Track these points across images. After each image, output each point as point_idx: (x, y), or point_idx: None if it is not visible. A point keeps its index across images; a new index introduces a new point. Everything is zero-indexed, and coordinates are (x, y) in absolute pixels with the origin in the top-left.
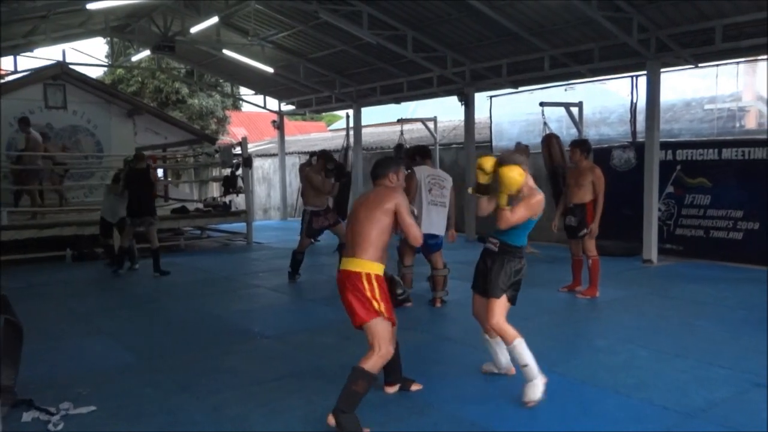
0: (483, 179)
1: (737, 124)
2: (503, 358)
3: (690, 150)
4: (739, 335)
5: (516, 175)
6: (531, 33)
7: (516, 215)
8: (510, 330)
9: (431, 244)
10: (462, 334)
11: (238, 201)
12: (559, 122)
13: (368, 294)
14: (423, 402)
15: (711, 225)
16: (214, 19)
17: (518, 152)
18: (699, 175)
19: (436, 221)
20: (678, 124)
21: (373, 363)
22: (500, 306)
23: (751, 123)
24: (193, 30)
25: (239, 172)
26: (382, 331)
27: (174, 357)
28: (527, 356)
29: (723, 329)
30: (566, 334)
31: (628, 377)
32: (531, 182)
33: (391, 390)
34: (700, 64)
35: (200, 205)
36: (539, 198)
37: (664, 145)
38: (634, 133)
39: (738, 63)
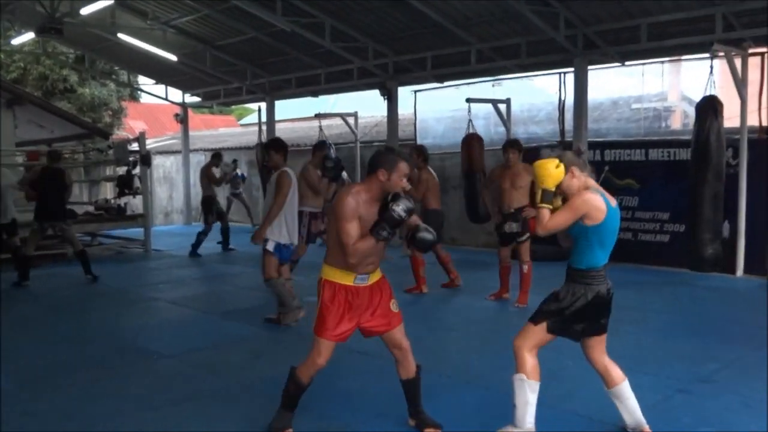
0: (548, 183)
1: (663, 124)
2: (627, 414)
3: (618, 150)
4: (664, 341)
5: (552, 167)
6: (456, 25)
7: (555, 219)
8: (528, 361)
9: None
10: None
11: (135, 203)
12: (486, 119)
13: (318, 301)
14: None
15: (639, 227)
16: (109, 0)
17: (574, 153)
18: (627, 176)
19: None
20: (606, 123)
21: (302, 369)
22: (530, 330)
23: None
24: (84, 11)
25: (136, 170)
26: (314, 343)
27: (58, 381)
28: (522, 399)
29: (648, 335)
30: (492, 344)
31: (555, 388)
32: (587, 182)
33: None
34: (626, 63)
35: (91, 208)
36: (586, 197)
37: (593, 145)
38: (562, 131)
39: (663, 62)
